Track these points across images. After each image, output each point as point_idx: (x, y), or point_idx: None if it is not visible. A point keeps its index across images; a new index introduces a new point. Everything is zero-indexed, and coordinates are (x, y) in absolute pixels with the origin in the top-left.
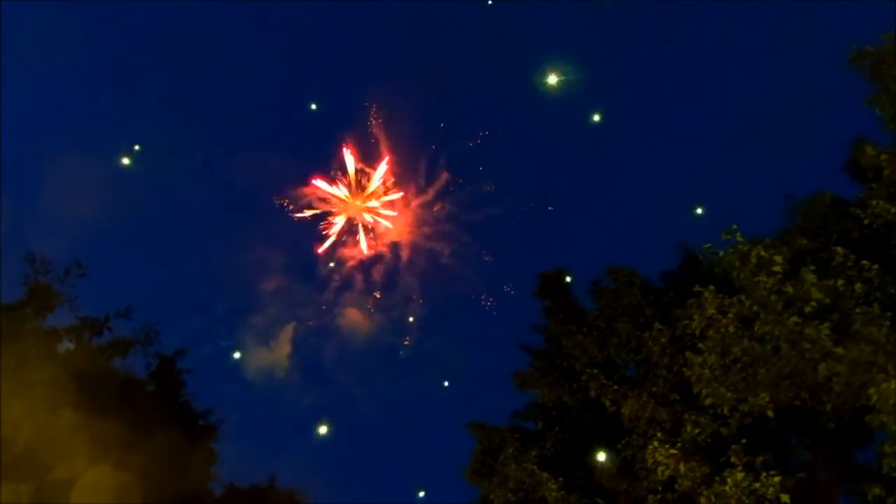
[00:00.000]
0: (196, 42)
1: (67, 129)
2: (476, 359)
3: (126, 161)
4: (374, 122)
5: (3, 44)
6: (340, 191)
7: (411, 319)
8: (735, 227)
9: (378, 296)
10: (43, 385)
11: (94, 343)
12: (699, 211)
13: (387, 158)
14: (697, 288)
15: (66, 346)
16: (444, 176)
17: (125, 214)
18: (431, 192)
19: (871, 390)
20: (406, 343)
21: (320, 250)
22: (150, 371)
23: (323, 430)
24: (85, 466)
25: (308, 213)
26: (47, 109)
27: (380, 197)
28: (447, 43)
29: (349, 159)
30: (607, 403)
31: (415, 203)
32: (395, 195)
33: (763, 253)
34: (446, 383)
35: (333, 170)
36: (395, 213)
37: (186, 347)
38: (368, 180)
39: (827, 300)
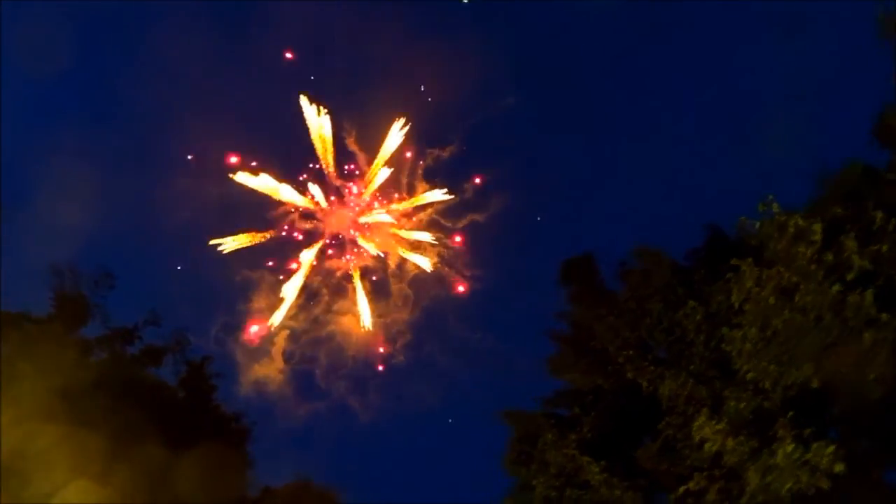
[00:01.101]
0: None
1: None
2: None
3: None
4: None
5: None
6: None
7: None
8: (771, 197)
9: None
10: (74, 397)
11: (127, 352)
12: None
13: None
14: (735, 261)
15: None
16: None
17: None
18: (433, 187)
19: None
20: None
21: (270, 323)
22: (179, 378)
23: None
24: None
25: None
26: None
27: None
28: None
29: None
30: (644, 384)
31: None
32: (438, 195)
33: (801, 222)
34: (450, 420)
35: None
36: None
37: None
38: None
39: (869, 266)
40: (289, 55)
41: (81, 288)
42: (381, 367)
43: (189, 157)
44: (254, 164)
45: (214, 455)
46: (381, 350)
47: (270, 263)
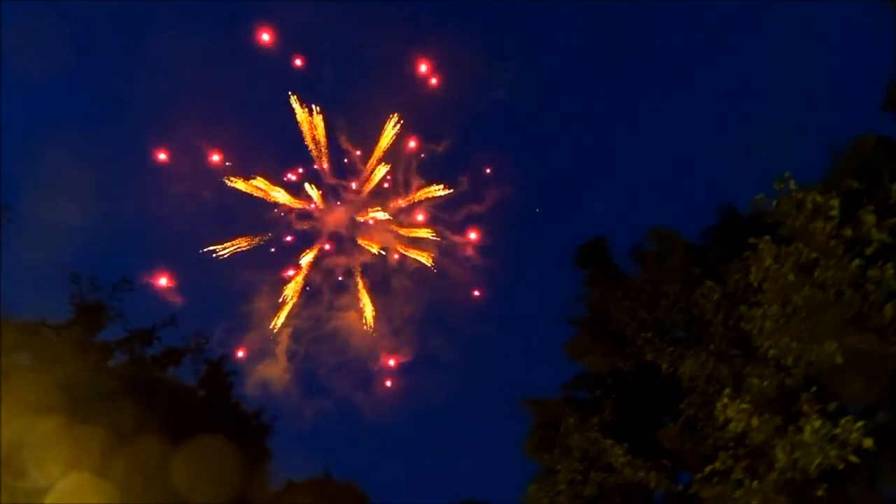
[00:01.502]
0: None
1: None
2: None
3: None
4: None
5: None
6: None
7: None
8: (788, 174)
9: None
10: (96, 399)
11: (147, 354)
12: None
13: None
14: (753, 240)
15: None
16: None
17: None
18: (430, 182)
19: None
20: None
21: (273, 325)
22: (199, 377)
23: None
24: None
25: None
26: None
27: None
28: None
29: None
30: (664, 365)
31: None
32: (435, 190)
33: (819, 198)
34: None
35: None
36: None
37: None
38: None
39: (889, 240)
40: (266, 36)
41: (99, 293)
42: (382, 365)
43: (163, 156)
44: (249, 166)
45: (238, 450)
46: (384, 346)
47: (270, 266)
